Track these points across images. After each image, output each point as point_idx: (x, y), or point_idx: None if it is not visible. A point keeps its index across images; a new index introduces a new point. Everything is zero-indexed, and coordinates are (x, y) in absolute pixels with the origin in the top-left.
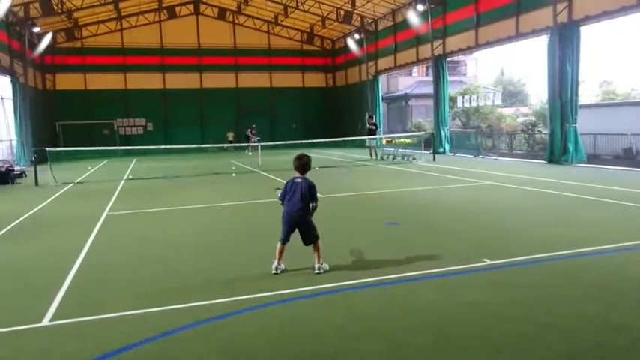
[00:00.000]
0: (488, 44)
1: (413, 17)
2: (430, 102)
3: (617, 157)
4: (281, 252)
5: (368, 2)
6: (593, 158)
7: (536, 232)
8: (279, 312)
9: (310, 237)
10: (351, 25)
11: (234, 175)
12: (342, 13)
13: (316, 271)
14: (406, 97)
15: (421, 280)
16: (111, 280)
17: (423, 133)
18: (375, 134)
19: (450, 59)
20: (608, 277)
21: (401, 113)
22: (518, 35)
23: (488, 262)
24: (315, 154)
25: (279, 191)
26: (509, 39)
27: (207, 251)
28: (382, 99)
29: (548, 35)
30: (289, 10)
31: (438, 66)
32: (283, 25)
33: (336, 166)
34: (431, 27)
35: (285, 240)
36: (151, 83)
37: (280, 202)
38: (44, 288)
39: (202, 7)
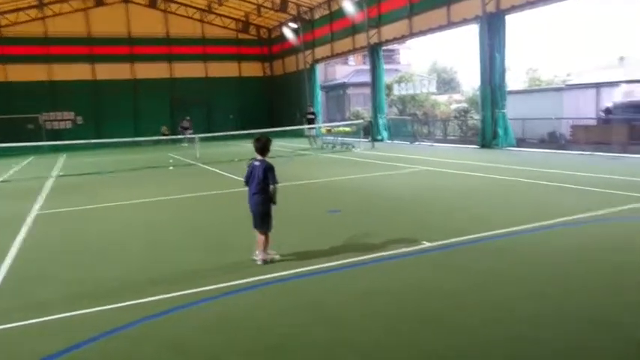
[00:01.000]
0: (422, 33)
1: (349, 6)
2: (367, 90)
3: (542, 141)
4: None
5: None
6: (521, 142)
7: (472, 213)
8: (224, 305)
9: (261, 225)
10: (287, 13)
11: (171, 168)
12: (278, 1)
13: (256, 260)
14: (344, 86)
15: (365, 265)
16: (45, 282)
17: (361, 121)
18: (313, 123)
19: (385, 48)
20: (539, 252)
21: (339, 102)
22: (450, 24)
23: (427, 244)
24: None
25: (251, 162)
26: (441, 28)
27: (148, 247)
28: (320, 88)
29: (478, 24)
30: None
31: (374, 54)
32: (217, 14)
33: (276, 156)
34: (366, 16)
35: (256, 225)
36: (79, 74)
37: (244, 183)
38: None
39: None
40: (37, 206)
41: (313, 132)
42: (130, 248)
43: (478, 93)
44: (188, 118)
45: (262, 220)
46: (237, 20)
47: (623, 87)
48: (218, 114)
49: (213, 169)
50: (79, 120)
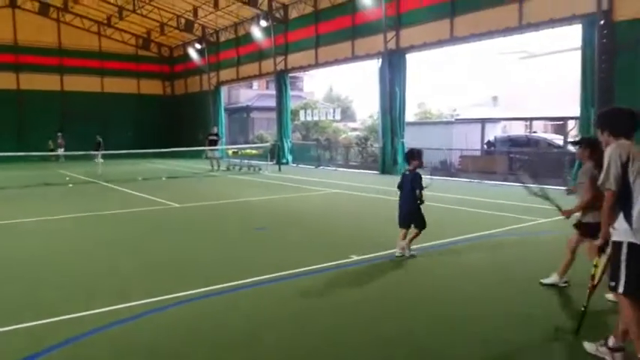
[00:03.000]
0: (328, 63)
1: (256, 32)
2: (271, 115)
3: (435, 168)
4: (403, 236)
5: (211, 13)
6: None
7: (387, 231)
8: (169, 316)
9: (416, 224)
10: (192, 34)
11: (71, 185)
12: (183, 21)
13: (410, 254)
14: (248, 109)
15: (302, 276)
16: None
17: (268, 144)
18: (216, 145)
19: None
20: (446, 263)
21: (242, 125)
22: (354, 57)
23: (355, 257)
24: (156, 164)
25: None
26: (346, 60)
27: (68, 263)
28: (224, 110)
29: (380, 59)
30: (125, 12)
31: (281, 81)
32: (117, 28)
33: (183, 177)
34: (274, 43)
35: (400, 224)
36: None
37: (398, 189)
38: None
39: (20, 0)
40: None
41: (216, 154)
42: (46, 265)
43: (376, 122)
44: (60, 134)
45: (416, 220)
46: (137, 36)
47: (502, 123)
48: (114, 131)
49: (120, 187)
50: None
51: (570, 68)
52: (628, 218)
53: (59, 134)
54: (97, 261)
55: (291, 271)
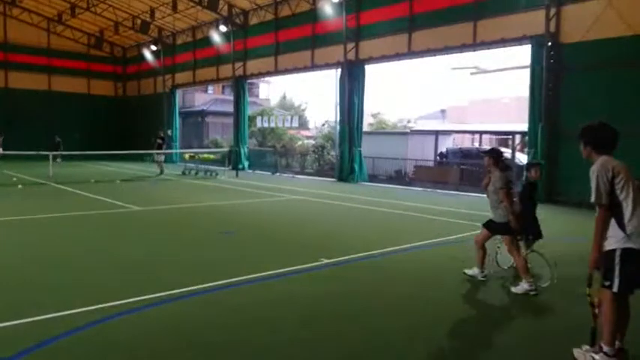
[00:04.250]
0: (287, 71)
1: (215, 36)
2: (226, 120)
3: (390, 177)
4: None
5: (168, 15)
6: (372, 177)
7: (351, 236)
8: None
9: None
10: (148, 35)
11: (20, 186)
12: (139, 22)
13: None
14: (203, 114)
15: (277, 278)
16: None
17: (226, 149)
18: (161, 149)
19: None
20: (402, 268)
21: (197, 129)
22: (314, 66)
23: (325, 261)
24: (107, 167)
25: None
26: (305, 68)
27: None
28: (178, 113)
29: (339, 69)
30: (77, 10)
31: (239, 86)
32: (67, 25)
33: (138, 180)
34: (233, 48)
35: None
36: None
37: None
38: None
39: None
40: None
41: (161, 157)
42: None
43: (332, 130)
44: None
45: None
46: (89, 35)
47: (453, 135)
48: (62, 131)
49: (74, 190)
50: None
51: (519, 85)
52: (622, 227)
53: None
54: (66, 263)
55: (265, 273)
